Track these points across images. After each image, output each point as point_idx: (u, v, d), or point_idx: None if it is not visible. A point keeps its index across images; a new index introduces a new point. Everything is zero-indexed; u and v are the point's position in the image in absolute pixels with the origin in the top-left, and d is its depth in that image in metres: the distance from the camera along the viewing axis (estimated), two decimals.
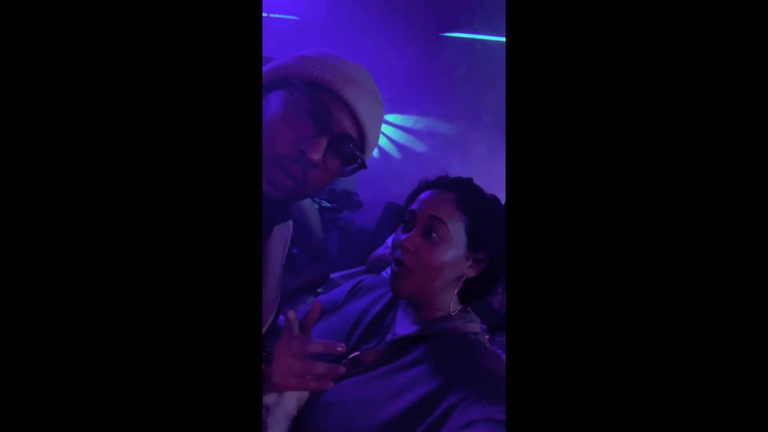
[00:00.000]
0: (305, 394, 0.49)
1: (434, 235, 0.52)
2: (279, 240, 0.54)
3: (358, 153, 0.42)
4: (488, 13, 2.10)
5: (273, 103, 0.40)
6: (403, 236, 0.53)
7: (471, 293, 0.56)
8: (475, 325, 0.55)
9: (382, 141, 2.29)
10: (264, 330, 0.51)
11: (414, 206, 0.56)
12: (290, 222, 0.58)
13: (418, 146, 2.30)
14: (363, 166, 0.43)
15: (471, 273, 0.54)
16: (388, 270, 0.69)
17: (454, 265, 0.53)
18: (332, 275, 1.46)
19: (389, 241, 1.72)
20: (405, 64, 2.19)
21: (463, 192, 0.56)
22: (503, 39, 1.78)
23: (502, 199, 0.61)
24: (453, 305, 0.55)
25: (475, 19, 2.15)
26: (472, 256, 0.54)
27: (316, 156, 0.39)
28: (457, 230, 0.53)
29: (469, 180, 0.60)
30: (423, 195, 0.57)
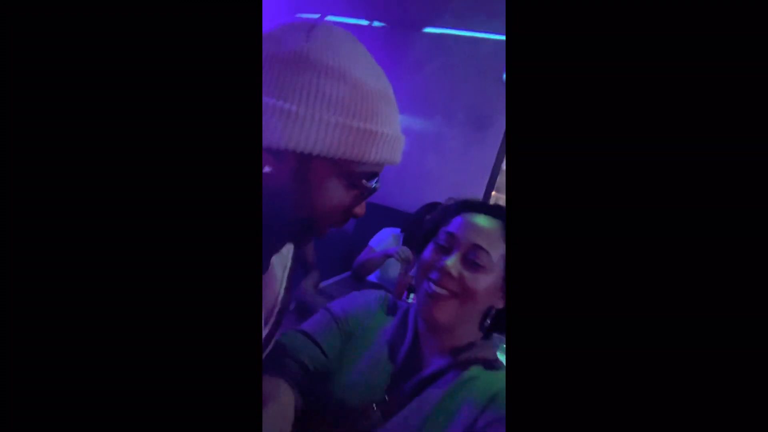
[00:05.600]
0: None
1: (477, 262, 0.51)
2: (278, 259, 0.52)
3: (378, 183, 0.41)
4: (461, 9, 2.09)
5: (314, 173, 0.36)
6: (443, 259, 0.51)
7: (495, 324, 0.56)
8: (496, 351, 0.56)
9: None
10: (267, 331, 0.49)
11: (452, 229, 0.54)
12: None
13: None
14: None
15: (500, 304, 0.54)
16: (410, 297, 0.66)
17: (489, 295, 0.52)
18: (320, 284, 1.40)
19: (372, 243, 1.68)
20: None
21: (504, 219, 0.55)
22: (476, 34, 1.77)
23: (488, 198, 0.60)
24: (478, 333, 0.55)
25: (447, 14, 2.13)
26: (504, 288, 0.54)
27: (362, 211, 0.41)
28: (497, 260, 0.52)
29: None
30: (461, 219, 0.55)
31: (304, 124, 0.33)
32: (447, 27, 2.15)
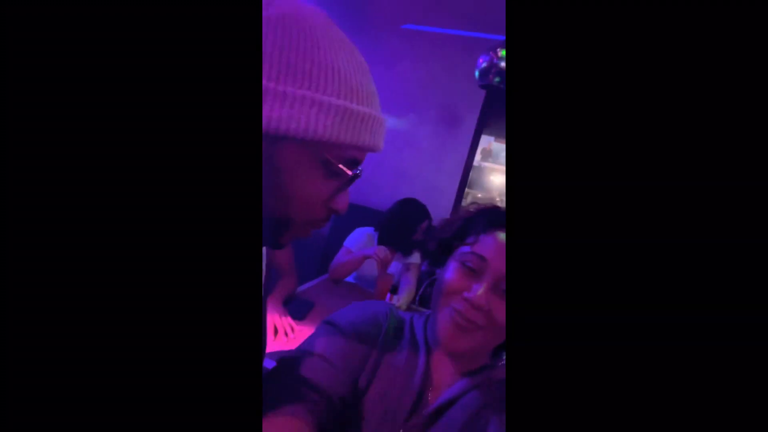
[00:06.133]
0: None
1: (504, 289, 0.46)
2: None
3: (360, 170, 0.37)
4: (432, 5, 2.10)
5: (284, 158, 0.32)
6: (473, 288, 0.46)
7: None
8: None
9: None
10: None
11: (483, 251, 0.47)
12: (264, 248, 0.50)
13: None
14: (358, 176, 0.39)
15: None
16: (417, 317, 0.59)
17: None
18: (297, 289, 1.37)
19: (347, 244, 1.66)
20: None
21: None
22: (447, 31, 1.77)
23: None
24: (493, 354, 0.52)
25: (417, 11, 2.13)
26: None
27: (344, 207, 0.37)
28: None
29: None
30: (492, 240, 0.48)
31: (267, 98, 0.29)
32: (418, 24, 2.15)
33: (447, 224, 0.54)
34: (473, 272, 0.47)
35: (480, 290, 0.45)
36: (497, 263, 0.46)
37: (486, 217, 0.51)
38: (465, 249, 0.49)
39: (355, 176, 0.35)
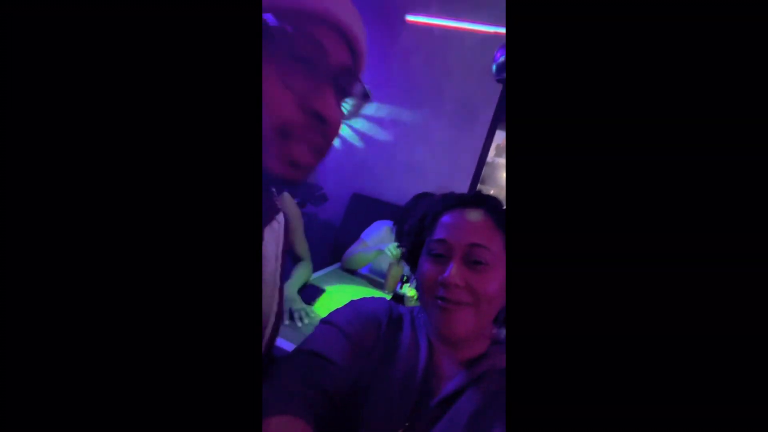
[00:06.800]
0: None
1: (479, 261, 0.47)
2: (271, 236, 0.45)
3: (361, 84, 0.32)
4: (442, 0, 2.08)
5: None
6: (445, 272, 0.47)
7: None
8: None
9: (343, 130, 2.22)
10: (266, 337, 0.44)
11: (441, 235, 0.49)
12: (281, 215, 0.48)
13: (381, 135, 2.26)
14: (368, 96, 0.34)
15: None
16: (403, 287, 0.61)
17: (502, 290, 0.47)
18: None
19: (364, 236, 1.69)
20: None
21: (488, 207, 0.51)
22: (462, 25, 1.76)
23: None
24: (488, 341, 0.52)
25: (433, 4, 2.12)
26: None
27: (332, 112, 0.30)
28: (498, 251, 0.48)
29: (491, 195, 0.55)
30: (448, 219, 0.50)
31: None
32: (433, 17, 2.14)
33: (407, 232, 0.56)
34: (442, 257, 0.49)
35: (450, 270, 0.47)
36: (457, 238, 0.48)
37: (434, 207, 0.53)
38: (427, 241, 0.51)
39: (351, 83, 0.31)
